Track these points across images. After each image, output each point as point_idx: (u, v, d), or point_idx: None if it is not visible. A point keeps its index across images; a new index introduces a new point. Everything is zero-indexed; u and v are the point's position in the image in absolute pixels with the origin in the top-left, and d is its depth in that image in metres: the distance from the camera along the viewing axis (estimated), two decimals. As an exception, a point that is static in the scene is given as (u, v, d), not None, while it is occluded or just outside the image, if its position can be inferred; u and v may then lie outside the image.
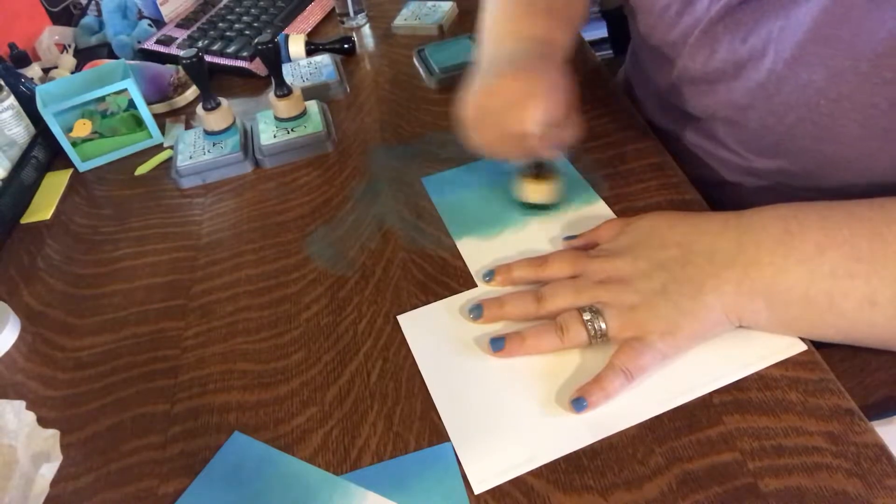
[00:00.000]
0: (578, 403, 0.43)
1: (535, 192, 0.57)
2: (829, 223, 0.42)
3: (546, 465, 0.42)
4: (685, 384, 0.44)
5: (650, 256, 0.47)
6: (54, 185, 0.76)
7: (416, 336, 0.51)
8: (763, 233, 0.43)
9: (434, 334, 0.51)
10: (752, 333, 0.45)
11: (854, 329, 0.42)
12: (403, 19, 0.91)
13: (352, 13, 0.94)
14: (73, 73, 0.93)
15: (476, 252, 0.57)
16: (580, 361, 0.47)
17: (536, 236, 0.57)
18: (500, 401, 0.45)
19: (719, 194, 0.59)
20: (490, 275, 0.53)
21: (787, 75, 0.47)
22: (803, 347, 0.45)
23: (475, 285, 0.54)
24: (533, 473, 0.42)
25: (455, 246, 0.58)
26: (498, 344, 0.47)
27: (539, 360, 0.47)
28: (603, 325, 0.45)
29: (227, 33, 0.93)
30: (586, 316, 0.45)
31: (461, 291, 0.54)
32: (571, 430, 0.43)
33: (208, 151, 0.72)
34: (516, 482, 0.41)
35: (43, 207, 0.73)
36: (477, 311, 0.50)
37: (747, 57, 0.49)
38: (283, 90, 0.71)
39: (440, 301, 0.53)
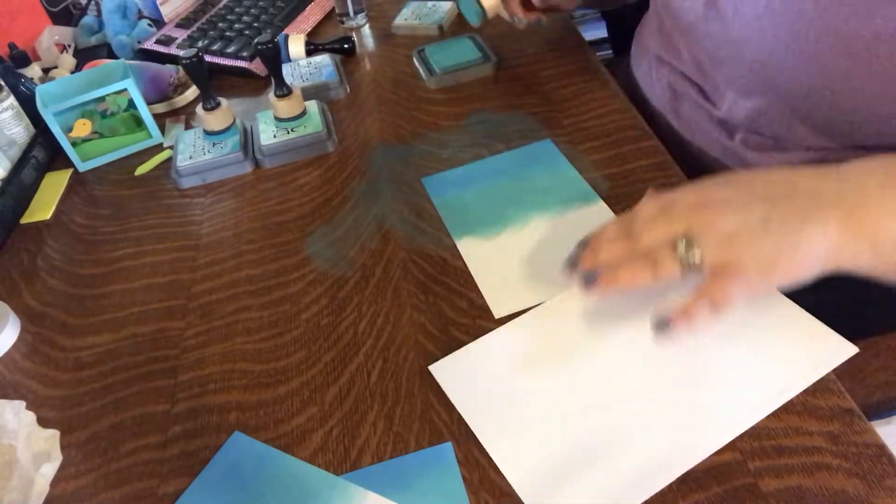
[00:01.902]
0: (660, 326, 0.43)
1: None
2: None
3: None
4: (751, 404, 0.43)
5: (750, 188, 0.44)
6: (54, 185, 0.76)
7: (453, 386, 0.48)
8: (864, 178, 0.42)
9: (472, 382, 0.48)
10: (799, 346, 0.45)
11: None
12: (403, 19, 0.91)
13: (352, 13, 0.94)
14: (72, 73, 0.93)
15: (476, 252, 0.57)
16: (632, 414, 0.44)
17: (536, 236, 0.57)
18: (560, 447, 0.43)
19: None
20: (591, 279, 0.46)
21: (782, 8, 0.49)
22: (854, 350, 0.44)
23: (475, 287, 0.54)
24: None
25: (455, 246, 0.58)
26: (591, 277, 0.45)
27: (586, 397, 0.45)
28: (697, 256, 0.42)
29: (227, 33, 0.93)
30: (680, 247, 0.42)
31: (488, 329, 0.52)
32: (644, 476, 0.41)
33: (208, 151, 0.72)
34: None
35: (43, 207, 0.73)
36: (572, 261, 0.48)
37: None
38: (283, 90, 0.71)
39: (469, 345, 0.50)
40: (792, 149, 0.58)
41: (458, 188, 0.64)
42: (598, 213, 0.58)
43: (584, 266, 0.47)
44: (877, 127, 0.50)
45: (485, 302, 0.53)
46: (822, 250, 0.41)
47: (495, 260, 0.55)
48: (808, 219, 0.41)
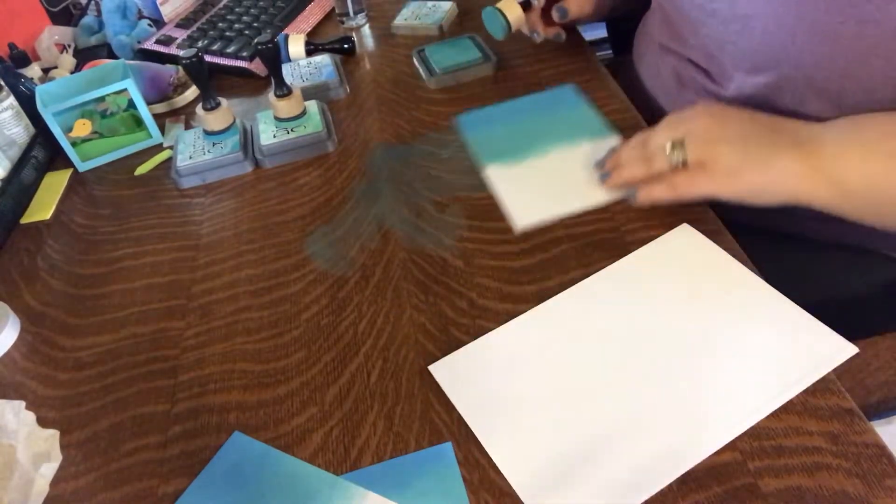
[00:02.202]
0: (630, 193, 0.56)
1: (515, 16, 0.72)
2: (893, 117, 0.48)
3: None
4: (751, 404, 0.43)
5: (747, 115, 0.53)
6: (54, 185, 0.76)
7: (453, 386, 0.48)
8: (832, 126, 0.50)
9: (472, 383, 0.48)
10: (799, 346, 0.45)
11: None
12: (403, 19, 0.91)
13: (352, 13, 0.94)
14: (72, 73, 0.93)
15: (501, 176, 0.63)
16: (637, 415, 0.44)
17: (557, 162, 0.63)
18: (561, 448, 0.43)
19: None
20: (606, 175, 0.59)
21: None
22: (854, 350, 0.44)
23: (474, 287, 0.54)
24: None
25: (455, 246, 0.58)
26: (605, 176, 0.59)
27: (585, 397, 0.45)
28: (682, 155, 0.52)
29: (227, 33, 0.93)
30: (667, 147, 0.52)
31: (488, 329, 0.52)
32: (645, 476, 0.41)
33: (208, 151, 0.72)
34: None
35: (43, 207, 0.73)
36: (604, 176, 0.59)
37: None
38: (283, 90, 0.71)
39: (469, 345, 0.50)
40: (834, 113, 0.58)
41: (488, 125, 0.70)
42: (609, 142, 0.64)
43: (605, 167, 0.60)
44: (892, 94, 0.50)
45: (485, 302, 0.53)
46: (786, 176, 0.49)
47: (518, 181, 0.62)
48: (781, 148, 0.49)
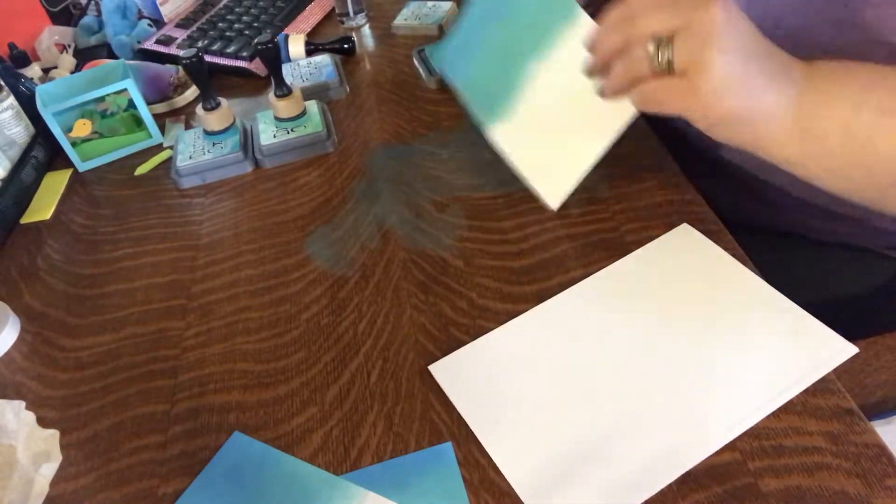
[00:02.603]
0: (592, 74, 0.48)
1: None
2: (883, 70, 0.42)
3: (546, 465, 0.42)
4: (751, 404, 0.43)
5: (750, 28, 0.43)
6: (54, 185, 0.76)
7: (453, 386, 0.48)
8: (823, 66, 0.43)
9: (472, 382, 0.47)
10: (799, 346, 0.45)
11: (885, 175, 0.41)
12: (403, 19, 0.91)
13: (352, 13, 0.94)
14: (72, 73, 0.93)
15: (508, 140, 0.59)
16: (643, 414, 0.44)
17: (546, 94, 0.54)
18: (560, 447, 0.43)
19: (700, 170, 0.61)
20: (589, 69, 0.49)
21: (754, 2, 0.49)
22: (854, 350, 0.44)
23: (474, 287, 0.54)
24: (533, 473, 0.41)
25: (455, 246, 0.58)
26: (598, 91, 0.49)
27: (586, 397, 0.45)
28: (665, 58, 0.41)
29: (227, 33, 0.93)
30: (651, 48, 0.42)
31: (488, 329, 0.51)
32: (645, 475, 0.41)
33: (208, 151, 0.72)
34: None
35: (43, 207, 0.73)
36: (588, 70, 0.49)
37: None
38: (283, 90, 0.71)
39: (469, 345, 0.50)
40: None
41: (463, 57, 0.62)
42: (586, 30, 0.50)
43: (589, 71, 0.49)
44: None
45: (485, 302, 0.53)
46: (767, 116, 0.42)
47: (527, 141, 0.57)
48: (774, 80, 0.42)
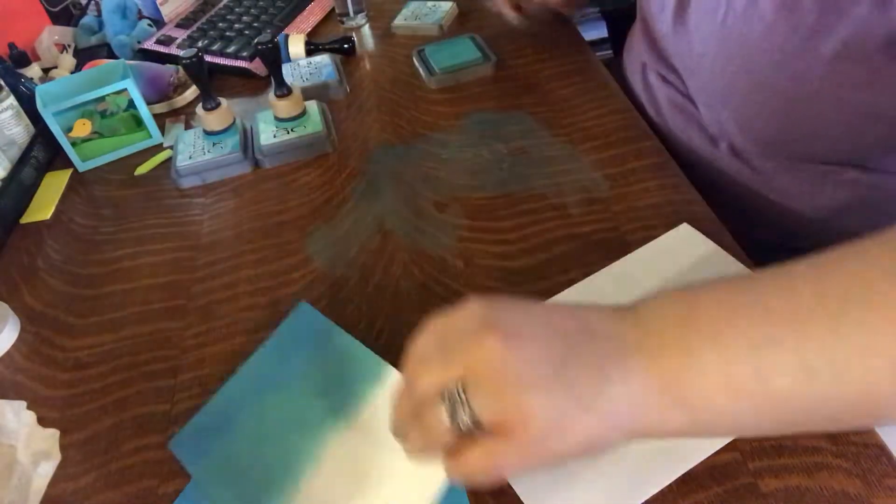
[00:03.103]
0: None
1: None
2: (730, 289, 0.32)
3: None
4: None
5: (546, 318, 0.33)
6: (54, 185, 0.76)
7: None
8: (661, 311, 0.33)
9: None
10: None
11: (797, 413, 0.30)
12: (403, 19, 0.91)
13: (352, 13, 0.94)
14: (72, 73, 0.93)
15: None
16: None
17: (338, 468, 0.43)
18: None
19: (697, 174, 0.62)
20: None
21: (733, 27, 0.52)
22: None
23: (474, 287, 0.54)
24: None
25: (455, 246, 0.58)
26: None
27: None
28: (467, 419, 0.31)
29: (227, 33, 0.93)
30: (443, 411, 0.32)
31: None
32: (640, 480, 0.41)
33: (208, 151, 0.72)
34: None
35: (43, 207, 0.73)
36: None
37: (706, 10, 0.56)
38: (283, 90, 0.71)
39: None
40: (776, 156, 0.59)
41: (215, 442, 0.46)
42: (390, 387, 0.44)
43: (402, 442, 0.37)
44: (832, 145, 0.53)
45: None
46: (624, 408, 0.31)
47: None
48: (612, 367, 0.31)
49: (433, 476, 0.38)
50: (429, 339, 0.35)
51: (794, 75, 0.51)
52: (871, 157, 0.55)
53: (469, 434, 0.32)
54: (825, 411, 0.30)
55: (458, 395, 0.32)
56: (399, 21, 0.91)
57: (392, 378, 0.46)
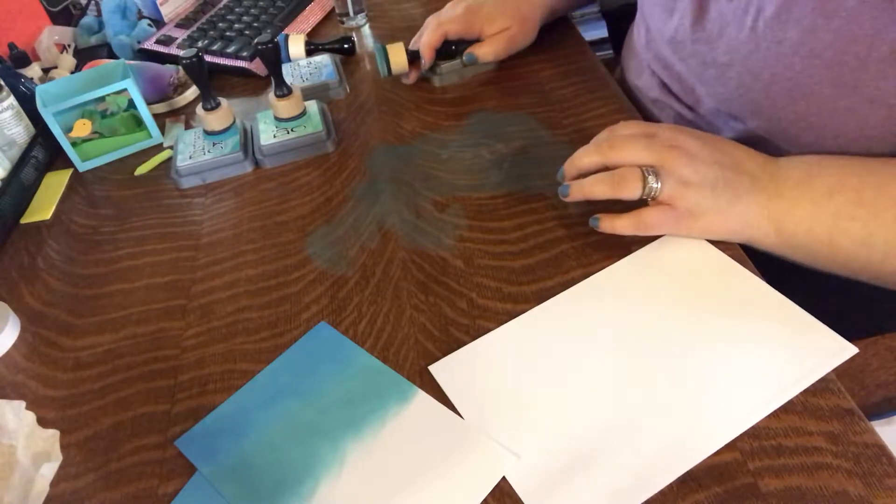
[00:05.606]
0: (592, 220, 0.53)
1: (398, 62, 0.74)
2: (844, 171, 0.49)
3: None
4: (751, 404, 0.43)
5: (713, 150, 0.51)
6: (54, 185, 0.76)
7: (453, 386, 0.47)
8: (789, 172, 0.50)
9: (472, 383, 0.47)
10: (799, 346, 0.45)
11: (849, 264, 0.49)
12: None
13: (352, 13, 0.94)
14: (72, 73, 0.93)
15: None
16: (632, 421, 0.44)
17: (354, 479, 0.43)
18: (561, 444, 0.43)
19: None
20: (566, 189, 0.54)
21: (766, 33, 0.51)
22: (854, 350, 0.44)
23: (474, 287, 0.54)
24: (533, 473, 0.41)
25: (455, 246, 0.58)
26: (564, 190, 0.54)
27: (586, 397, 0.45)
28: (656, 190, 0.50)
29: (227, 33, 0.93)
30: (650, 179, 0.50)
31: (488, 329, 0.52)
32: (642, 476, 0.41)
33: (208, 151, 0.72)
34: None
35: (43, 207, 0.73)
36: (564, 189, 0.54)
37: (731, 16, 0.54)
38: (283, 90, 0.71)
39: (469, 345, 0.50)
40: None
41: (229, 442, 0.46)
42: (422, 408, 0.46)
43: (567, 176, 0.55)
44: (864, 151, 0.51)
45: (485, 302, 0.53)
46: (742, 222, 0.50)
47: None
48: (742, 194, 0.49)
49: (452, 496, 0.42)
50: (635, 128, 0.54)
51: (835, 80, 0.49)
52: None
53: (647, 196, 0.50)
54: (869, 273, 0.49)
55: (654, 174, 0.50)
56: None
57: (417, 398, 0.47)
